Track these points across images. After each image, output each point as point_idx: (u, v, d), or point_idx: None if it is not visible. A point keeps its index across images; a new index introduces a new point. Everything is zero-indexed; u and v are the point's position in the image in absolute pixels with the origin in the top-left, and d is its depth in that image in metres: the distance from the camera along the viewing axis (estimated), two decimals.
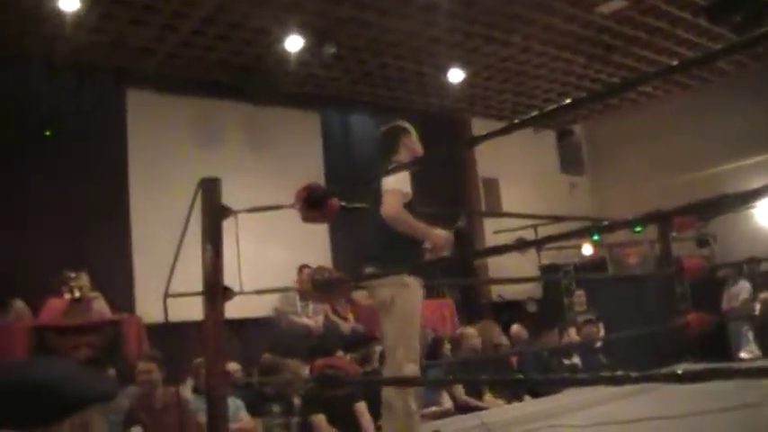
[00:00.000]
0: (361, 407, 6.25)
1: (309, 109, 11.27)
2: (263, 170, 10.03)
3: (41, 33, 8.27)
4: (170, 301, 3.41)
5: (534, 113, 2.84)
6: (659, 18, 9.89)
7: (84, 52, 8.85)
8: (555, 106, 3.11)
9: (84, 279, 7.54)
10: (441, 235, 4.44)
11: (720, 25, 9.71)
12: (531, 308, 12.58)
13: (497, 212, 13.14)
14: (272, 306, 8.66)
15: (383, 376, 4.64)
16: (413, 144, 4.68)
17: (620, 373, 2.34)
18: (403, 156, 4.58)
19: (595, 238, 12.10)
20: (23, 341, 6.69)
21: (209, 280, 3.24)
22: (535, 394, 7.70)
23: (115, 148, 9.29)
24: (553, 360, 8.88)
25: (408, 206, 4.25)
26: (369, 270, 4.36)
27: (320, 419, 6.05)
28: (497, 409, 7.06)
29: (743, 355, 9.86)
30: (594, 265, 12.59)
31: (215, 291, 3.24)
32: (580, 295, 11.35)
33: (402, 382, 4.18)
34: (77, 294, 7.37)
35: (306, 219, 3.45)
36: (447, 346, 7.84)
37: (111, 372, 6.38)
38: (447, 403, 7.12)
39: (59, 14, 7.85)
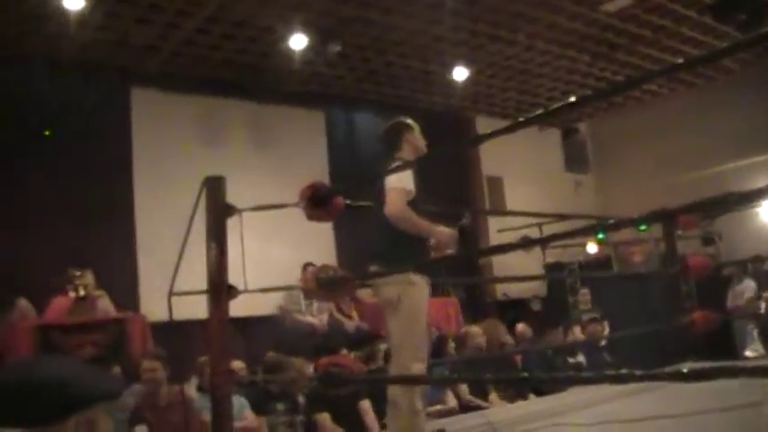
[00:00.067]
0: (366, 405, 6.25)
1: (314, 107, 11.27)
2: (268, 168, 10.04)
3: (46, 32, 8.28)
4: (174, 299, 3.40)
5: (539, 112, 2.84)
6: (664, 16, 9.87)
7: (88, 51, 8.86)
8: (559, 104, 3.12)
9: (89, 277, 7.55)
10: (445, 232, 4.42)
11: (725, 23, 9.69)
12: (536, 306, 12.58)
13: (502, 211, 13.14)
14: (277, 304, 8.66)
15: (389, 375, 4.63)
16: (416, 140, 4.64)
17: (624, 371, 2.34)
18: (406, 152, 4.55)
19: (600, 236, 12.08)
20: (28, 340, 6.69)
21: (213, 278, 3.24)
22: (540, 392, 7.70)
23: (120, 147, 9.29)
24: (558, 358, 8.87)
25: (412, 204, 4.22)
26: (374, 268, 4.35)
27: (324, 418, 6.05)
28: (502, 408, 7.05)
29: (748, 353, 9.84)
30: (599, 263, 12.57)
31: (219, 289, 3.24)
32: (585, 293, 11.34)
33: (406, 381, 4.17)
34: (82, 293, 7.38)
35: (310, 217, 3.45)
36: (451, 345, 7.84)
37: (116, 370, 6.40)
38: (451, 402, 7.12)
39: (64, 13, 7.85)
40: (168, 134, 9.60)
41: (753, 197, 5.48)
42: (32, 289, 7.60)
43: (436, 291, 9.51)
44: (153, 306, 7.77)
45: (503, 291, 12.57)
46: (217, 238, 3.25)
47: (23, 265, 8.04)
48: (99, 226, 8.90)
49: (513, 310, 11.77)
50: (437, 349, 7.21)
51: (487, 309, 11.94)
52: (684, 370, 2.08)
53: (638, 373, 2.21)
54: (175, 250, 3.42)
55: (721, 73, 12.26)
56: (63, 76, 9.06)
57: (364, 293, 9.10)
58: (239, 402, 5.80)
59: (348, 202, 3.72)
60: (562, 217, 9.81)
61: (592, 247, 12.53)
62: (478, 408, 7.06)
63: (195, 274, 3.31)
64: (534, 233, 11.06)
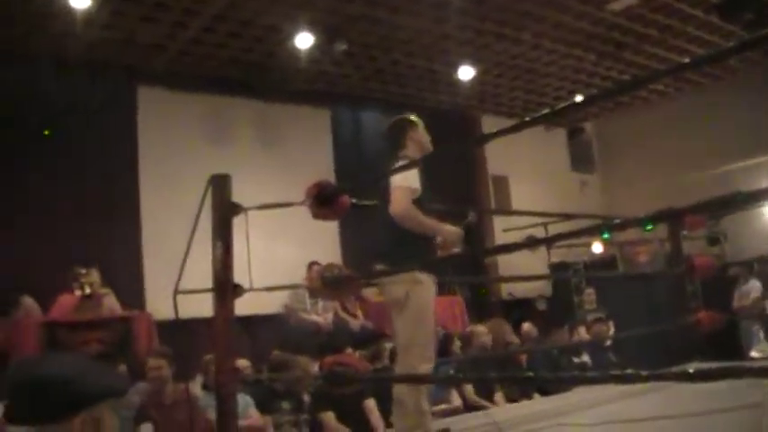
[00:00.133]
0: (371, 404, 6.25)
1: (320, 106, 11.27)
2: (274, 167, 10.04)
3: (52, 31, 8.29)
4: (180, 297, 3.41)
5: (545, 111, 2.83)
6: (670, 15, 9.85)
7: (94, 50, 8.87)
8: (566, 104, 3.11)
9: (95, 275, 7.57)
10: (451, 231, 4.39)
11: (732, 23, 9.67)
12: (541, 306, 12.57)
13: (507, 210, 13.13)
14: (282, 303, 8.67)
15: (395, 374, 4.62)
16: (420, 137, 4.59)
17: (630, 371, 2.34)
18: (410, 150, 4.49)
19: (606, 236, 12.07)
20: (33, 337, 6.72)
21: (219, 277, 3.25)
22: (544, 392, 7.70)
23: (126, 145, 9.30)
24: (563, 358, 8.87)
25: (417, 202, 4.19)
26: (379, 267, 4.33)
27: (329, 417, 6.05)
28: (507, 407, 7.05)
29: (754, 353, 9.82)
30: (605, 263, 12.55)
31: (225, 288, 3.24)
32: (590, 293, 11.33)
33: (412, 380, 4.17)
34: (88, 291, 7.40)
35: (316, 216, 3.45)
36: (457, 344, 7.84)
37: (122, 368, 6.41)
38: (456, 401, 7.12)
39: (70, 12, 7.86)
40: (174, 133, 9.60)
41: (760, 197, 5.47)
42: (38, 287, 7.62)
43: (442, 290, 9.52)
44: (158, 304, 7.78)
45: (508, 290, 12.56)
46: (222, 236, 3.26)
47: (29, 263, 8.06)
48: (105, 224, 8.90)
49: (518, 309, 11.76)
50: (443, 348, 7.22)
51: (493, 308, 11.94)
52: (690, 370, 2.08)
53: (643, 373, 2.20)
54: (181, 248, 3.43)
55: (728, 72, 12.24)
56: (69, 74, 9.08)
57: (369, 292, 9.12)
58: (244, 401, 5.81)
59: (354, 200, 3.72)
60: (567, 217, 9.79)
61: (597, 247, 12.52)
62: (484, 409, 7.05)
63: (201, 272, 3.32)
64: (539, 233, 11.05)
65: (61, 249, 8.22)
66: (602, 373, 7.37)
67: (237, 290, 3.28)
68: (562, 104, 3.03)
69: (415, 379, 4.12)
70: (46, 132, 8.62)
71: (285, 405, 6.17)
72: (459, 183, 12.14)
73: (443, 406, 6.87)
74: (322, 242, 9.72)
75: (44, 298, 7.53)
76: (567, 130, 14.53)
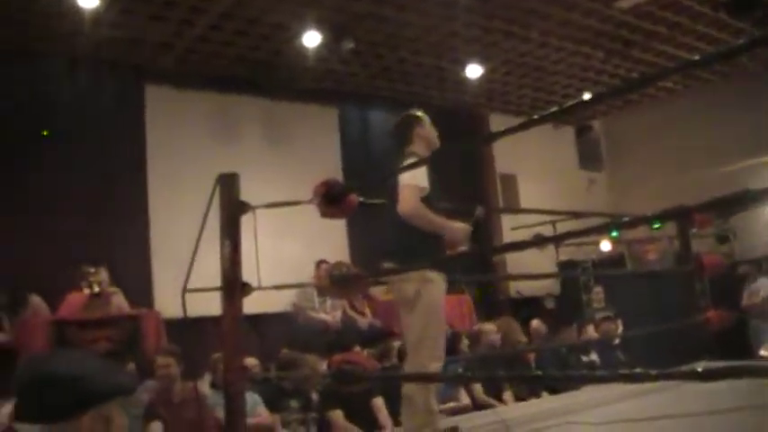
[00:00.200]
0: (379, 402, 6.26)
1: (327, 104, 11.27)
2: (281, 165, 10.04)
3: (60, 30, 8.32)
4: (188, 296, 3.42)
5: (553, 109, 2.83)
6: (679, 13, 9.82)
7: (102, 49, 8.89)
8: (574, 102, 3.09)
9: (104, 274, 7.59)
10: (459, 228, 4.36)
11: (741, 20, 9.64)
12: (550, 304, 12.55)
13: (515, 209, 13.11)
14: (290, 301, 8.68)
15: (404, 372, 4.61)
16: (427, 133, 4.54)
17: (639, 370, 2.33)
18: (417, 146, 4.45)
19: (614, 234, 12.04)
20: (42, 336, 6.74)
21: (227, 275, 3.26)
22: (553, 391, 7.69)
23: (134, 144, 9.31)
24: (571, 357, 8.85)
25: (426, 200, 4.17)
26: (387, 265, 4.31)
27: (338, 415, 6.06)
28: (515, 405, 7.04)
29: (763, 352, 9.77)
30: (613, 261, 12.52)
31: (233, 286, 3.25)
32: (598, 292, 11.32)
33: (420, 379, 4.16)
34: (96, 289, 7.42)
35: (324, 214, 3.45)
36: (465, 342, 7.83)
37: (130, 366, 6.43)
38: (465, 399, 7.11)
39: (78, 11, 7.88)
40: (182, 131, 9.61)
41: None
42: (46, 286, 7.65)
43: (450, 288, 9.50)
44: (167, 303, 7.79)
45: (516, 288, 12.55)
46: (230, 235, 3.27)
47: (37, 262, 8.08)
48: (113, 223, 8.92)
49: (526, 307, 11.74)
50: (450, 347, 7.21)
51: (501, 306, 11.93)
52: (699, 369, 2.07)
53: (652, 372, 2.20)
54: (189, 247, 3.43)
55: (737, 70, 12.19)
56: (77, 74, 9.10)
57: (377, 291, 9.12)
58: (252, 399, 5.82)
59: (362, 199, 3.72)
60: (576, 215, 9.78)
61: (605, 245, 12.49)
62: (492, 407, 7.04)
63: (209, 270, 3.33)
64: (548, 231, 11.03)
65: (69, 248, 8.24)
66: (612, 372, 7.37)
67: (246, 288, 3.28)
68: (570, 102, 3.02)
69: (424, 377, 4.11)
70: (45, 133, 8.61)
71: (293, 403, 6.19)
72: (468, 181, 12.12)
73: (452, 404, 6.87)
74: (330, 240, 9.71)
75: (52, 297, 7.55)
76: (575, 128, 14.50)
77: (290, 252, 9.00)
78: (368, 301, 9.18)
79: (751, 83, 12.16)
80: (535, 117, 2.94)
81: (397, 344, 7.11)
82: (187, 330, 5.81)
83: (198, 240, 3.40)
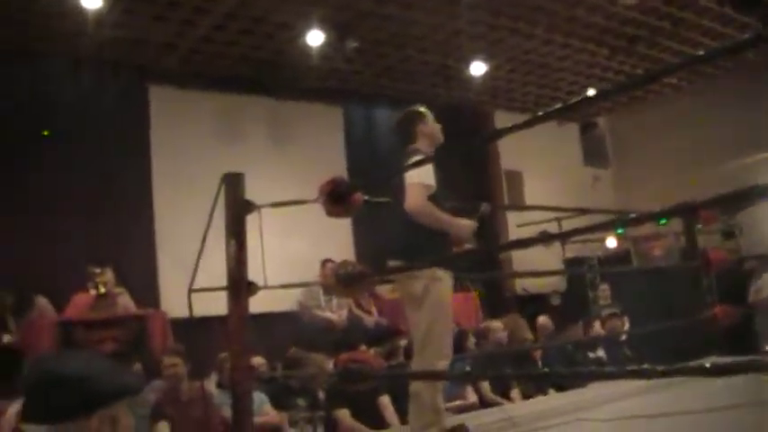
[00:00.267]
0: (385, 401, 6.25)
1: (332, 103, 11.27)
2: (286, 165, 10.05)
3: (64, 31, 8.33)
4: (194, 295, 3.42)
5: (558, 106, 2.81)
6: (684, 8, 9.80)
7: (106, 49, 8.90)
8: (578, 99, 3.09)
9: (109, 275, 7.59)
10: (466, 225, 4.33)
11: (746, 14, 9.61)
12: (556, 301, 12.54)
13: (521, 206, 13.10)
14: (296, 300, 8.68)
15: (411, 370, 4.60)
16: (430, 129, 4.47)
17: (646, 366, 2.32)
18: (421, 143, 4.39)
19: (620, 230, 12.02)
20: (48, 338, 6.75)
21: (233, 275, 3.26)
22: (560, 388, 7.67)
23: (138, 145, 9.33)
24: (578, 353, 8.84)
25: (432, 198, 4.13)
26: (394, 263, 4.29)
27: (344, 414, 6.05)
28: (522, 403, 7.03)
29: None
30: (619, 257, 12.50)
31: (239, 285, 3.25)
32: (605, 288, 11.29)
33: (427, 377, 4.15)
34: (102, 290, 7.42)
35: (330, 213, 3.45)
36: (471, 340, 7.82)
37: (137, 366, 6.44)
38: (472, 397, 7.11)
39: (82, 12, 7.90)
40: (186, 131, 9.63)
41: None
42: (51, 287, 7.66)
43: (456, 285, 9.50)
44: (173, 303, 7.80)
45: (522, 286, 12.54)
46: (236, 234, 3.27)
47: (42, 263, 8.10)
48: (118, 223, 8.94)
49: (532, 304, 11.74)
50: (457, 344, 7.20)
51: (507, 304, 11.92)
52: (707, 365, 2.06)
53: (659, 368, 2.19)
54: (195, 247, 3.44)
55: (742, 65, 12.15)
56: (81, 74, 9.11)
57: (383, 289, 9.11)
58: (259, 398, 5.83)
59: (367, 197, 3.71)
60: (582, 211, 9.76)
61: (611, 242, 12.47)
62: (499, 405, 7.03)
63: (215, 270, 3.32)
64: (553, 228, 11.02)
65: (75, 249, 8.26)
66: (619, 369, 7.36)
67: (252, 287, 3.28)
68: (575, 99, 3.02)
69: (431, 376, 4.11)
70: (45, 133, 8.62)
71: (300, 402, 6.19)
72: (473, 178, 12.13)
73: (458, 402, 6.86)
74: (335, 239, 9.71)
75: (58, 298, 7.56)
76: (579, 125, 14.49)
77: (295, 251, 9.00)
78: (374, 299, 9.18)
79: (756, 79, 12.11)
80: (540, 114, 2.93)
81: (403, 342, 7.10)
82: (193, 330, 5.81)
83: (204, 240, 3.40)
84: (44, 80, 8.80)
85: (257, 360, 6.23)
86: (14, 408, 4.87)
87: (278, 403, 6.13)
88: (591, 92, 12.13)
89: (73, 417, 1.83)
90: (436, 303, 4.08)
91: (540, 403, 6.63)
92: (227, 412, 4.40)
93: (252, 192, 3.37)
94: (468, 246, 4.55)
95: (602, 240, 12.39)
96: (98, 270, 7.47)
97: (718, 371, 2.03)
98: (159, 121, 9.52)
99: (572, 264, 12.59)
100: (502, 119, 12.83)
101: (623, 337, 9.44)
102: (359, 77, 11.04)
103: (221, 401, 5.56)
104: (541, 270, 11.55)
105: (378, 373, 6.32)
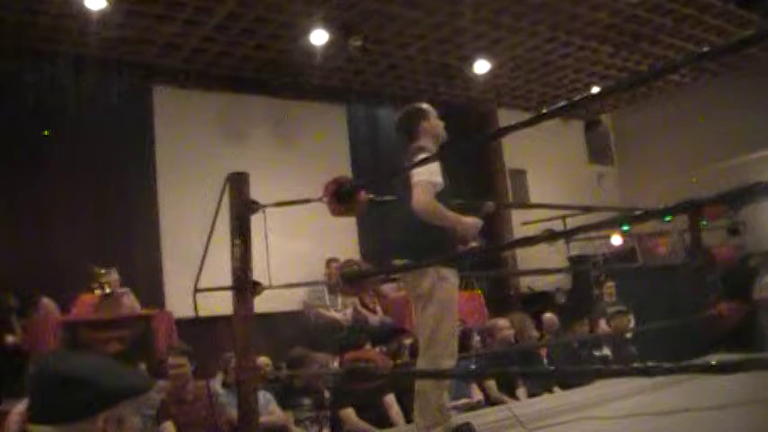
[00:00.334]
0: (390, 399, 6.25)
1: (335, 102, 11.28)
2: (290, 164, 10.06)
3: (68, 31, 8.34)
4: (199, 295, 3.42)
5: (561, 104, 2.81)
6: (687, 4, 9.77)
7: (110, 49, 8.91)
8: (582, 96, 3.09)
9: (114, 275, 7.61)
10: (472, 223, 4.27)
11: (750, 11, 9.59)
12: (561, 299, 12.51)
13: (525, 203, 13.09)
14: (301, 299, 8.68)
15: (417, 369, 4.59)
16: (433, 126, 4.40)
17: (652, 364, 2.32)
18: (425, 140, 4.31)
19: (625, 228, 12.00)
20: (52, 338, 6.77)
21: (238, 274, 3.26)
22: (566, 386, 7.67)
23: (142, 144, 9.34)
24: (584, 351, 8.83)
25: (438, 196, 4.07)
26: (399, 262, 4.27)
27: (349, 413, 6.06)
28: (528, 401, 7.02)
29: None
30: (624, 255, 12.48)
31: (244, 285, 3.25)
32: (610, 286, 11.26)
33: (432, 375, 4.14)
34: (107, 290, 7.44)
35: (335, 212, 3.44)
36: (476, 338, 7.81)
37: (142, 366, 6.45)
38: (477, 396, 7.10)
39: (86, 12, 7.91)
40: (190, 131, 9.64)
41: None
42: (56, 288, 7.67)
43: (461, 283, 9.49)
44: (178, 302, 7.82)
45: (527, 284, 12.53)
46: (241, 234, 3.27)
47: (47, 264, 8.11)
48: (123, 223, 8.95)
49: (537, 302, 11.72)
50: (462, 343, 7.19)
51: (512, 302, 11.91)
52: (714, 362, 2.06)
53: (666, 365, 2.19)
54: (200, 247, 3.44)
55: (746, 62, 12.12)
56: (85, 74, 9.12)
57: (388, 288, 9.11)
58: (265, 397, 5.83)
59: (371, 196, 3.71)
60: (587, 209, 9.75)
61: (616, 239, 12.45)
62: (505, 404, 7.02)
63: (220, 270, 3.33)
64: (558, 226, 10.99)
65: (80, 249, 8.26)
66: (626, 366, 7.35)
67: (257, 287, 3.28)
68: (579, 97, 3.01)
69: (437, 374, 4.10)
70: (45, 132, 8.62)
71: (306, 401, 6.19)
72: (477, 177, 12.12)
73: (464, 400, 6.85)
74: (340, 238, 9.72)
75: (63, 299, 7.58)
76: (583, 122, 14.47)
77: (300, 250, 9.00)
78: (379, 298, 9.18)
79: (760, 75, 12.09)
80: (544, 112, 2.92)
81: (408, 341, 7.10)
82: (199, 330, 5.81)
83: (208, 240, 3.40)
84: (48, 80, 8.81)
85: (262, 360, 6.23)
86: (20, 408, 4.89)
87: (283, 402, 6.13)
88: (595, 89, 12.13)
89: (79, 417, 1.83)
90: (442, 301, 4.05)
91: (546, 401, 6.62)
92: (232, 412, 4.41)
93: (256, 191, 3.37)
94: (473, 244, 4.52)
95: (607, 238, 12.37)
96: (103, 270, 7.50)
97: (723, 368, 2.02)
98: (163, 120, 9.53)
99: (577, 261, 12.57)
100: (505, 117, 12.80)
101: (629, 335, 9.42)
102: (362, 76, 11.04)
103: (227, 401, 5.57)
104: (546, 268, 11.53)
105: (383, 372, 6.32)
